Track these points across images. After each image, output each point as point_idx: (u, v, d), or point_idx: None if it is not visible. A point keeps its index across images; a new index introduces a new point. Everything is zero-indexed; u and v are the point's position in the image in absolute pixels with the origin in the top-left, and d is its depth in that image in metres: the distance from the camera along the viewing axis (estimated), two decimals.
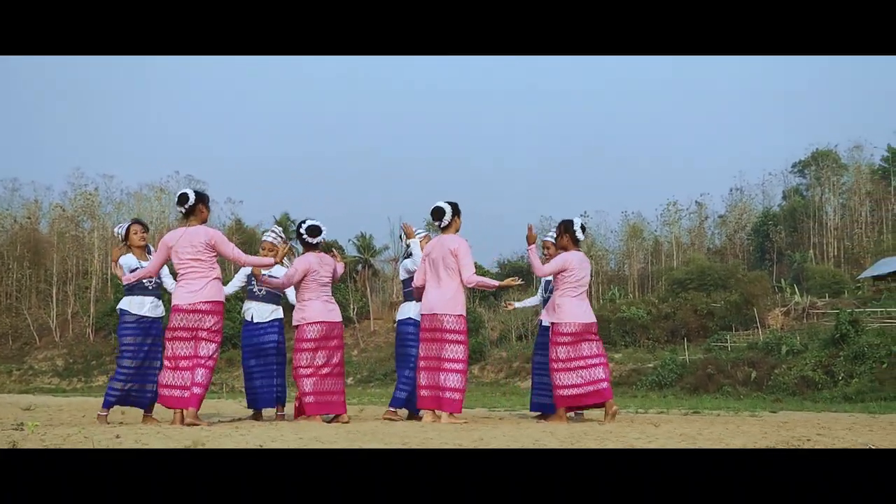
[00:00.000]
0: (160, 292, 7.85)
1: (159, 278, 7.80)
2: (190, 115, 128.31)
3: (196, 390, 6.64)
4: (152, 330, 7.70)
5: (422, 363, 7.37)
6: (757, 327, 40.64)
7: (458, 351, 7.22)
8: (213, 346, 6.81)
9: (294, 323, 7.56)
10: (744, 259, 67.15)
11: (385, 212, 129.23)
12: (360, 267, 65.43)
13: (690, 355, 36.88)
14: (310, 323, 7.45)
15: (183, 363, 6.75)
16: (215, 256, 6.91)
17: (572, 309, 7.57)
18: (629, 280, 67.22)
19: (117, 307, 7.79)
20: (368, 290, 63.35)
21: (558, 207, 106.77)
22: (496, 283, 7.79)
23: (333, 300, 7.74)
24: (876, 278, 49.11)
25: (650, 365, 36.93)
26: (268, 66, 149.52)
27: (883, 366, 27.32)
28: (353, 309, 59.13)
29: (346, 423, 7.11)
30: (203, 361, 6.74)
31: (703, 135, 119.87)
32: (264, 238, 8.41)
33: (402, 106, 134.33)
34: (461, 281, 7.35)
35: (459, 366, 7.21)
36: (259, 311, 8.37)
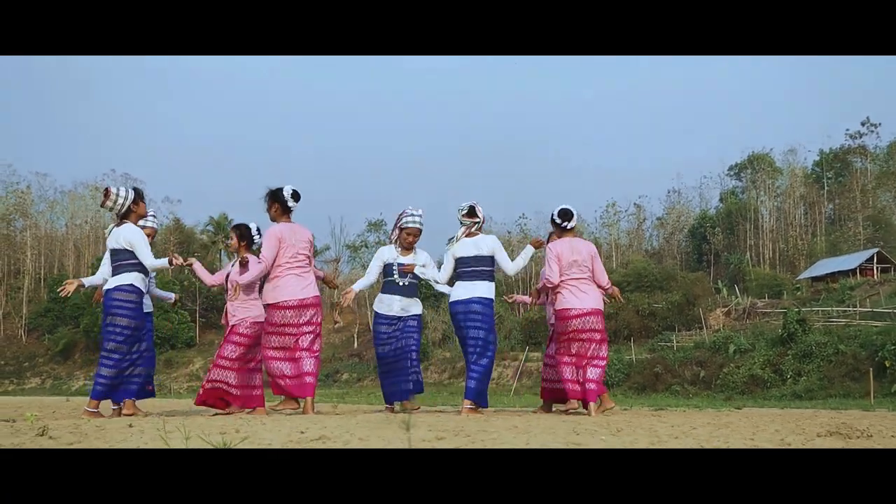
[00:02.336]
0: None
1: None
2: (126, 112, 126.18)
3: (310, 379, 6.92)
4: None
5: (573, 359, 7.37)
6: (700, 327, 41.08)
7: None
8: (319, 337, 7.05)
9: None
10: (681, 261, 67.98)
11: (325, 212, 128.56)
12: None
13: (636, 355, 37.15)
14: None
15: (298, 354, 6.97)
16: None
17: None
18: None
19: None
20: None
21: (498, 208, 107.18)
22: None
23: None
24: (814, 279, 50.10)
25: None
26: (204, 64, 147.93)
27: (831, 364, 27.76)
28: None
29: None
30: (315, 353, 6.99)
31: (642, 137, 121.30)
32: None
33: (342, 106, 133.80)
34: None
35: (604, 362, 7.47)
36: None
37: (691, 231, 70.60)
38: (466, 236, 7.43)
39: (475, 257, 7.36)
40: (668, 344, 38.30)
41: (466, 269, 7.36)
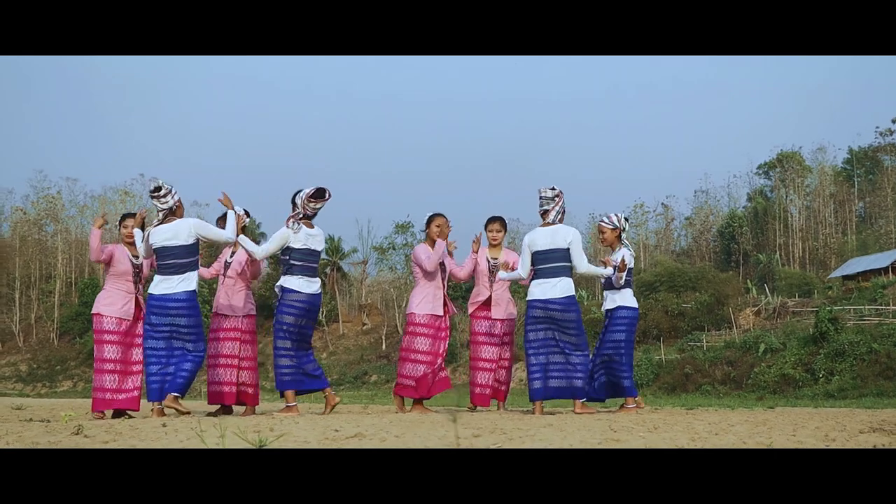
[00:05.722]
0: None
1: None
2: (154, 117, 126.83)
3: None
4: None
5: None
6: (729, 327, 40.77)
7: None
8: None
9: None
10: (710, 260, 67.45)
11: (353, 214, 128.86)
12: (328, 270, 64.84)
13: (665, 355, 36.90)
14: None
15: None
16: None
17: None
18: (596, 282, 67.19)
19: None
20: (337, 292, 62.85)
21: (523, 210, 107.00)
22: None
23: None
24: (846, 278, 49.58)
25: None
26: (231, 68, 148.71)
27: (864, 363, 27.46)
28: (322, 312, 58.61)
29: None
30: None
31: (669, 136, 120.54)
32: None
33: (366, 110, 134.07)
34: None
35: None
36: None
37: (720, 231, 70.00)
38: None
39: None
40: (698, 344, 38.04)
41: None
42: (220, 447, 3.31)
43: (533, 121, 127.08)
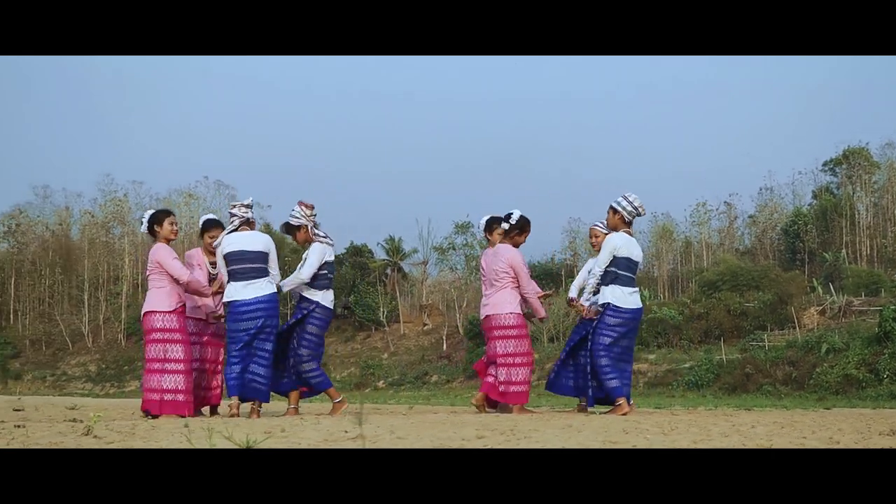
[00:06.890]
0: None
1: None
2: (154, 117, 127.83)
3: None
4: None
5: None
6: (793, 327, 40.02)
7: None
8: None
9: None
10: (775, 258, 66.35)
11: (413, 214, 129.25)
12: (388, 270, 65.12)
13: (726, 355, 36.39)
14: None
15: None
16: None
17: None
18: (659, 281, 66.59)
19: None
20: (398, 293, 63.09)
21: (584, 209, 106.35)
22: None
23: None
24: None
25: (686, 365, 36.48)
26: (231, 68, 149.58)
27: None
28: (384, 312, 58.92)
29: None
30: None
31: (732, 134, 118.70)
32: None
33: (366, 110, 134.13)
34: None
35: None
36: None
37: (784, 229, 68.70)
38: None
39: None
40: (760, 344, 37.43)
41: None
42: (209, 447, 3.34)
43: (533, 121, 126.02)
